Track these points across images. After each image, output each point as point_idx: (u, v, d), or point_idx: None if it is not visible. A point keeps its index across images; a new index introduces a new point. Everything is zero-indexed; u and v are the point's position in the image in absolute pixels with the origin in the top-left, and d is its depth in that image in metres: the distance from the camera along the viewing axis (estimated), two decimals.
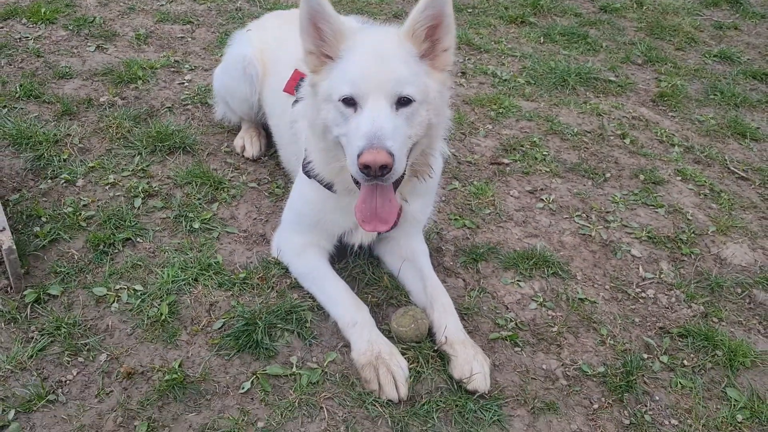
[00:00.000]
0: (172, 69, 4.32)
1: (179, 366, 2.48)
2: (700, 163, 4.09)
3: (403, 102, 2.29)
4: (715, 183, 3.90)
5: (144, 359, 2.51)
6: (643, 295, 3.12)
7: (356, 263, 2.97)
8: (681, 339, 2.91)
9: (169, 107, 3.92)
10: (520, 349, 2.76)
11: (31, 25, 4.55)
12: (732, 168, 4.07)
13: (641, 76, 5.05)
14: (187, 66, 4.36)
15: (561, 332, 2.85)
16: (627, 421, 2.53)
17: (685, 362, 2.80)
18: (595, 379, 2.67)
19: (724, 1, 6.53)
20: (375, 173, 2.19)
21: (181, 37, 4.74)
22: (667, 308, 3.07)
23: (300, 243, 2.85)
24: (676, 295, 3.14)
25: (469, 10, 5.72)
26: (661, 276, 3.23)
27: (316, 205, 2.77)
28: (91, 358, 2.49)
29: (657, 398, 2.63)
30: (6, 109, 3.68)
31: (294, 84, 2.90)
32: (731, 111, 4.67)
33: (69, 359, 2.47)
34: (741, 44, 5.72)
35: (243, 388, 2.44)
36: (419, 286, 2.82)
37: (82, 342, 2.53)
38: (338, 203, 2.71)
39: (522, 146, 4.00)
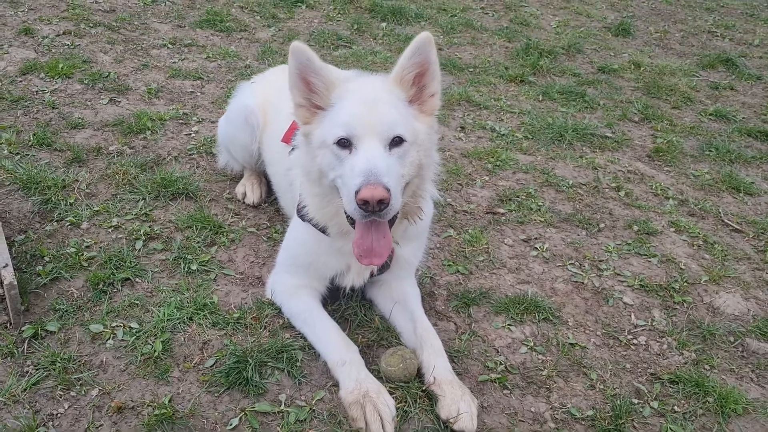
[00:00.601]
0: (181, 121, 4.48)
1: (169, 401, 2.51)
2: (694, 216, 4.15)
3: (395, 142, 2.41)
4: (709, 235, 3.95)
5: (135, 395, 2.54)
6: (635, 341, 3.14)
7: (348, 305, 3.02)
8: (672, 385, 2.91)
9: (175, 156, 4.06)
10: (509, 391, 2.77)
11: (48, 80, 4.76)
12: (726, 220, 4.12)
13: (637, 132, 5.16)
14: (194, 118, 4.53)
15: (551, 376, 2.86)
16: None
17: (676, 408, 2.79)
18: (583, 423, 2.67)
19: (720, 62, 6.70)
20: (373, 208, 2.27)
21: (191, 91, 4.93)
22: (659, 355, 3.07)
23: (293, 284, 2.92)
24: (667, 342, 3.15)
25: (471, 69, 5.92)
26: (653, 323, 3.24)
27: (310, 247, 2.85)
28: (83, 392, 2.53)
29: None
30: (18, 156, 3.83)
31: (291, 134, 3.02)
32: (726, 167, 4.75)
33: (61, 393, 2.52)
34: (736, 104, 5.85)
35: (231, 425, 2.46)
36: (410, 327, 2.86)
37: (75, 377, 2.57)
38: (331, 246, 2.79)
39: (517, 197, 4.08)
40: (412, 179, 2.53)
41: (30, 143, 3.97)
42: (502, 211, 3.95)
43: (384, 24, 6.79)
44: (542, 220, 3.90)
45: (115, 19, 5.96)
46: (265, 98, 3.50)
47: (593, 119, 5.23)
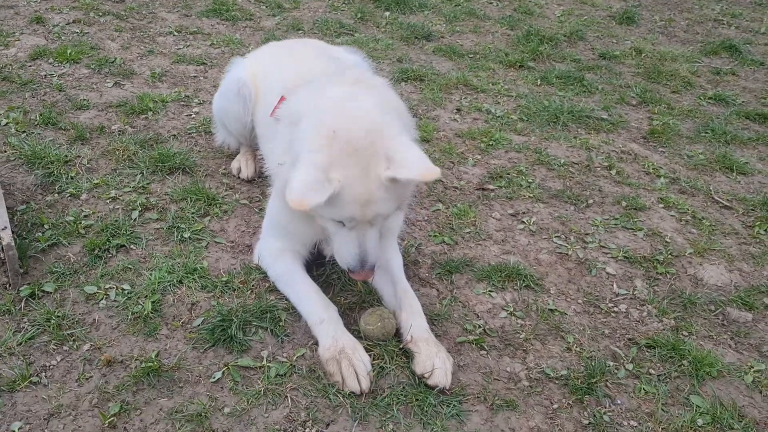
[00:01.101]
0: (182, 103, 4.62)
1: (156, 356, 2.63)
2: (684, 193, 4.19)
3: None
4: (698, 211, 3.99)
5: (124, 350, 2.67)
6: (615, 309, 3.20)
7: (333, 270, 3.12)
8: (648, 349, 2.97)
9: (175, 135, 4.19)
10: (486, 352, 2.85)
11: (57, 65, 4.92)
12: (716, 198, 4.15)
13: (634, 115, 5.20)
14: (196, 100, 4.66)
15: (528, 339, 2.94)
16: (586, 421, 2.59)
17: (651, 371, 2.86)
18: (557, 382, 2.75)
19: (724, 49, 6.70)
20: None
21: (194, 76, 5.06)
22: (638, 321, 3.14)
23: (277, 248, 3.02)
24: (648, 310, 3.20)
25: (471, 56, 5.99)
26: (635, 292, 3.30)
27: (291, 216, 2.90)
28: (75, 347, 2.66)
29: (618, 402, 2.69)
30: (24, 134, 3.98)
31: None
32: (721, 147, 4.77)
33: (55, 347, 2.65)
34: (737, 88, 5.85)
35: (214, 378, 2.58)
36: (390, 290, 2.96)
37: (68, 332, 2.70)
38: (311, 218, 2.85)
39: (508, 174, 4.15)
40: None
41: (36, 122, 4.12)
42: (492, 187, 4.03)
43: (388, 13, 6.88)
44: (531, 195, 3.97)
45: (123, 9, 6.13)
46: (256, 71, 3.60)
47: (590, 103, 5.27)
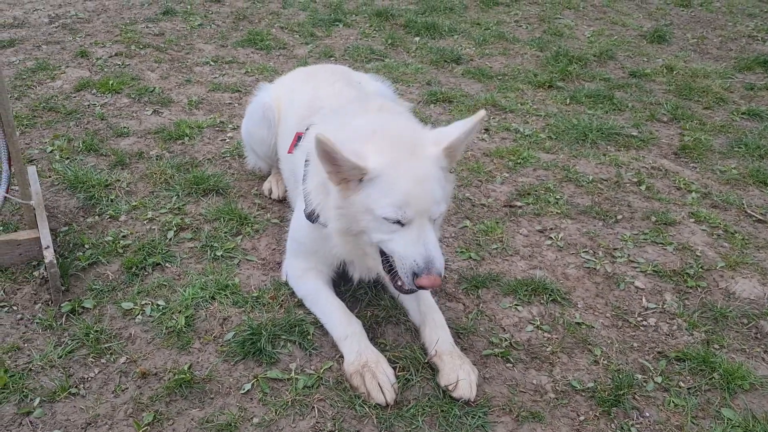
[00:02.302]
0: (217, 128, 4.78)
1: (188, 368, 2.72)
2: (716, 208, 4.15)
3: (439, 215, 2.58)
4: (730, 225, 3.94)
5: (158, 363, 2.76)
6: (644, 323, 3.18)
7: (360, 286, 3.17)
8: (678, 363, 2.94)
9: (210, 159, 4.34)
10: (512, 365, 2.87)
11: (99, 95, 5.15)
12: (749, 212, 4.10)
13: (665, 132, 5.18)
14: (230, 126, 4.82)
15: (555, 352, 2.95)
16: None
17: (681, 384, 2.83)
18: (583, 394, 2.74)
19: (758, 64, 6.62)
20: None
21: (229, 103, 5.24)
22: (668, 335, 3.11)
23: (301, 268, 3.09)
24: (678, 324, 3.18)
25: (499, 77, 6.05)
26: (664, 306, 3.28)
27: (314, 238, 2.94)
28: (112, 360, 2.77)
29: (647, 414, 2.67)
30: (68, 160, 4.17)
31: (294, 144, 3.20)
32: (755, 162, 4.71)
33: (93, 360, 2.76)
34: None
35: (243, 389, 2.65)
36: (415, 305, 3.00)
37: (105, 346, 2.82)
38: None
39: (536, 191, 4.18)
40: None
41: (79, 149, 4.32)
42: (519, 204, 4.05)
43: (417, 38, 7.01)
44: (559, 212, 3.98)
45: (163, 41, 6.38)
46: (280, 95, 3.73)
47: (620, 120, 5.27)
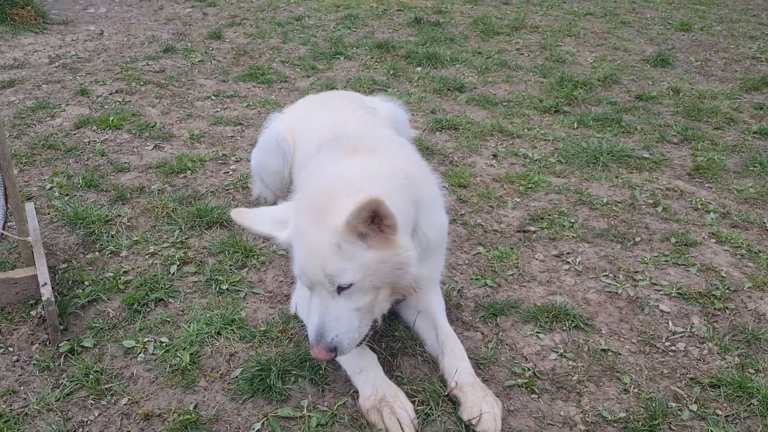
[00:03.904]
0: (220, 161, 4.68)
1: (194, 408, 2.56)
2: (737, 227, 4.01)
3: (343, 287, 2.36)
4: (753, 244, 3.80)
5: (162, 403, 2.60)
6: (673, 348, 3.02)
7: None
8: (713, 389, 2.77)
9: (213, 192, 4.23)
10: (537, 396, 2.70)
11: (99, 131, 5.07)
12: None
13: (677, 153, 5.07)
14: (233, 158, 4.72)
15: (581, 381, 2.78)
16: None
17: (718, 411, 2.65)
18: (615, 425, 2.57)
19: (765, 84, 6.55)
20: None
21: (231, 136, 5.15)
22: (699, 360, 2.95)
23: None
24: (708, 348, 3.01)
25: (504, 104, 5.98)
26: (692, 330, 3.12)
27: None
28: (113, 401, 2.61)
29: None
30: (68, 197, 4.06)
31: None
32: None
33: (92, 402, 2.60)
34: None
35: (253, 429, 2.48)
36: (432, 335, 2.85)
37: (106, 386, 2.66)
38: None
39: (549, 215, 4.05)
40: (380, 298, 2.50)
41: (79, 185, 4.21)
42: (533, 228, 3.92)
43: (419, 68, 6.96)
44: (575, 236, 3.85)
45: (164, 78, 6.33)
46: (293, 126, 3.64)
47: (630, 143, 5.17)
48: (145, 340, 2.91)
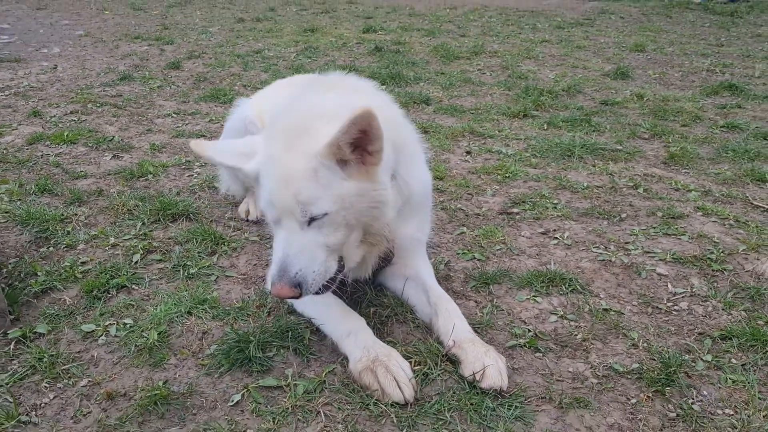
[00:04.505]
0: (183, 167, 4.45)
1: (164, 384, 2.27)
2: (721, 203, 3.92)
3: (314, 217, 2.18)
4: (740, 215, 3.71)
5: (127, 383, 2.31)
6: (676, 307, 2.85)
7: (356, 288, 2.79)
8: (724, 341, 2.60)
9: (177, 192, 3.98)
10: (541, 354, 2.49)
11: (54, 146, 4.80)
12: (756, 203, 3.89)
13: (649, 146, 5.03)
14: (197, 164, 4.49)
15: (587, 339, 2.58)
16: (673, 414, 2.20)
17: (733, 360, 2.48)
18: (629, 377, 2.37)
19: (724, 89, 6.65)
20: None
21: None
22: (705, 316, 2.78)
23: None
24: (713, 305, 2.86)
25: (472, 112, 5.90)
26: (693, 290, 2.97)
27: None
28: (71, 383, 2.31)
29: (705, 393, 2.30)
30: (19, 202, 3.77)
31: None
32: (747, 164, 4.55)
33: (47, 386, 2.30)
34: (747, 117, 5.73)
35: (232, 401, 2.21)
36: (423, 298, 2.64)
37: (62, 369, 2.36)
38: None
39: (531, 199, 3.91)
40: (348, 237, 2.29)
41: (31, 191, 3.92)
42: (516, 210, 3.77)
43: (383, 87, 6.87)
44: (560, 215, 3.71)
45: (121, 100, 6.11)
46: (262, 108, 3.45)
47: (602, 139, 5.12)
48: (107, 323, 2.62)
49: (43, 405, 2.21)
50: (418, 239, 2.81)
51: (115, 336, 2.55)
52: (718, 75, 7.59)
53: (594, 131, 5.35)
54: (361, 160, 2.19)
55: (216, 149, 2.42)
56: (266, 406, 2.18)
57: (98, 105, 5.89)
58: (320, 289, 2.25)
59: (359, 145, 2.15)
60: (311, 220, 2.17)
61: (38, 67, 7.59)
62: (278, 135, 2.27)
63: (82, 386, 2.29)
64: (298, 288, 2.13)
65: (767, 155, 4.72)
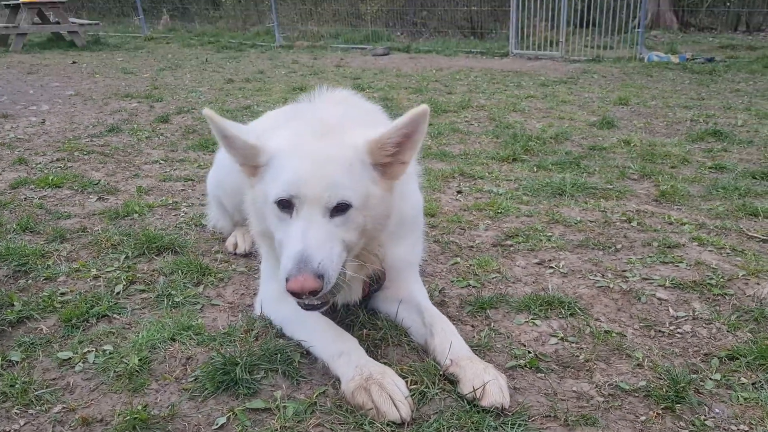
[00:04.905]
0: (170, 207, 4.37)
1: (144, 408, 2.13)
2: (715, 234, 3.88)
3: (339, 208, 2.11)
4: (736, 245, 3.66)
5: (104, 408, 2.17)
6: (679, 330, 2.75)
7: (349, 310, 2.69)
8: (731, 361, 2.50)
9: (163, 229, 3.89)
10: (543, 375, 2.37)
11: (38, 190, 4.72)
12: (751, 234, 3.84)
13: (639, 186, 5.02)
14: (185, 204, 4.41)
15: (590, 359, 2.47)
16: (686, 430, 2.08)
17: (743, 379, 2.37)
18: (636, 395, 2.26)
19: (709, 135, 6.72)
20: (306, 296, 2.01)
21: (182, 189, 4.86)
22: (709, 338, 2.68)
23: (278, 288, 2.57)
24: (717, 327, 2.76)
25: (462, 157, 5.91)
26: (695, 314, 2.88)
27: None
28: (43, 410, 2.16)
29: (717, 410, 2.19)
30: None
31: None
32: (738, 200, 4.54)
33: (18, 412, 2.15)
34: (734, 160, 5.76)
35: (217, 424, 2.07)
36: (417, 320, 2.53)
37: (35, 394, 2.21)
38: None
39: (525, 233, 3.85)
40: (354, 245, 2.22)
41: (12, 230, 3.81)
42: (510, 243, 3.70)
43: None
44: (554, 246, 3.64)
45: (108, 149, 6.07)
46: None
47: (592, 180, 5.11)
48: (85, 351, 2.49)
49: (12, 431, 2.05)
50: (410, 261, 2.73)
51: (93, 363, 2.41)
52: (702, 124, 7.68)
53: (584, 173, 5.34)
54: (384, 171, 2.22)
55: (228, 124, 2.24)
56: (253, 429, 2.03)
57: (85, 153, 5.84)
58: (318, 303, 2.14)
59: (395, 153, 2.19)
60: (335, 211, 2.09)
61: (26, 122, 7.58)
62: (304, 127, 2.24)
63: (56, 412, 2.15)
64: (321, 279, 1.97)
65: (757, 192, 4.71)
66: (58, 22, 16.52)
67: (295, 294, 1.99)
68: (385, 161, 2.22)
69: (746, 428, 2.09)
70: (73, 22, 16.70)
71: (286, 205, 2.12)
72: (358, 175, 2.15)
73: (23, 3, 15.75)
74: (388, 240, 2.46)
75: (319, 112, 2.41)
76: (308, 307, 2.16)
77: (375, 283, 2.60)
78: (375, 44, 16.63)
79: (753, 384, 2.35)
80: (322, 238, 2.04)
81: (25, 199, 4.52)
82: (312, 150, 2.14)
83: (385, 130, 2.18)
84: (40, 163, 5.49)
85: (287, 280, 1.98)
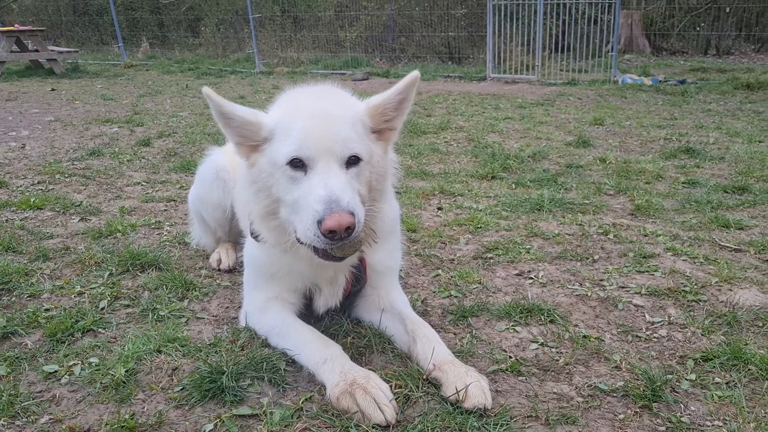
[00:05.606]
0: (153, 227, 4.39)
1: (131, 417, 2.15)
2: (689, 244, 3.98)
3: (351, 161, 2.23)
4: (709, 255, 3.76)
5: (92, 418, 2.18)
6: (655, 335, 2.83)
7: (333, 319, 2.73)
8: (706, 362, 2.57)
9: (146, 247, 3.90)
10: (524, 378, 2.43)
11: (19, 212, 4.72)
12: (724, 244, 3.96)
13: (615, 201, 5.14)
14: (168, 223, 4.44)
15: (569, 363, 2.54)
16: (662, 427, 2.15)
17: (717, 379, 2.45)
18: (614, 394, 2.32)
19: (682, 152, 6.90)
20: (341, 236, 2.08)
21: (165, 210, 4.89)
22: (684, 342, 2.76)
23: (263, 299, 2.65)
24: (691, 331, 2.84)
25: (441, 175, 6.00)
26: (671, 319, 2.96)
27: (271, 257, 2.60)
28: (30, 421, 2.17)
29: (693, 408, 2.25)
30: None
31: None
32: (711, 213, 4.67)
33: (4, 424, 2.15)
34: (706, 175, 5.92)
35: (204, 431, 2.09)
36: (400, 327, 2.58)
37: (21, 407, 2.22)
38: (293, 257, 2.53)
39: (504, 246, 3.92)
40: (366, 199, 2.31)
41: None
42: (490, 255, 3.77)
43: None
44: (533, 258, 3.72)
45: (90, 172, 6.08)
46: (233, 156, 3.46)
47: (569, 195, 5.22)
48: (71, 364, 2.50)
49: None
50: (390, 266, 2.78)
51: (80, 375, 2.42)
52: (674, 142, 7.88)
53: (561, 189, 5.46)
54: (378, 137, 2.41)
55: (226, 100, 2.33)
56: None
57: (66, 176, 5.85)
58: (346, 247, 2.20)
59: (387, 119, 2.39)
60: (348, 163, 2.21)
61: (5, 147, 7.56)
62: (302, 98, 2.41)
63: (43, 423, 2.15)
64: (353, 216, 2.06)
65: (729, 205, 4.85)
66: (36, 50, 16.49)
67: (332, 232, 2.04)
68: (381, 127, 2.41)
69: (720, 424, 2.16)
70: (51, 50, 16.68)
71: (298, 164, 2.20)
72: (362, 133, 2.32)
73: (1, 31, 15.75)
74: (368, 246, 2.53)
75: (310, 90, 2.51)
76: (334, 258, 2.21)
77: (356, 283, 2.66)
78: (355, 70, 16.82)
79: (727, 383, 2.42)
80: (344, 183, 2.15)
81: (7, 220, 4.51)
82: (317, 109, 2.27)
83: (384, 95, 2.39)
84: (20, 185, 5.48)
85: (319, 223, 2.05)
